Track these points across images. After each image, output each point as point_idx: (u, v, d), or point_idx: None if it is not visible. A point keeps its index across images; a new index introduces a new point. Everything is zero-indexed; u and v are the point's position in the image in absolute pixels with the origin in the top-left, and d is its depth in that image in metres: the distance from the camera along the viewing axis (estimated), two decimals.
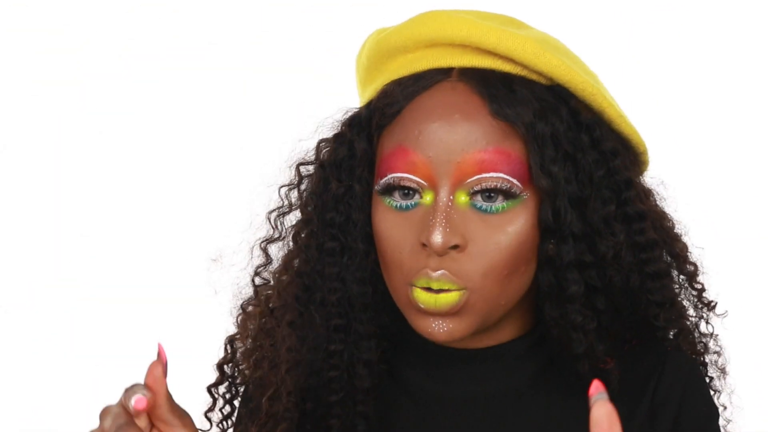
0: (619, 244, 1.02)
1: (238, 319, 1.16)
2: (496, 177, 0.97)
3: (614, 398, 1.05)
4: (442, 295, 0.98)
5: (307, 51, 2.06)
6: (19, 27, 2.11)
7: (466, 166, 0.97)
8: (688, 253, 1.12)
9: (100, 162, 2.13)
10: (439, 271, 0.97)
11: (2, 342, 2.12)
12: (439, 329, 1.00)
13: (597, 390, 0.79)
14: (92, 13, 2.11)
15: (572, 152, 1.00)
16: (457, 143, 0.97)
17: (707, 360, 1.14)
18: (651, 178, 1.12)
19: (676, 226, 1.12)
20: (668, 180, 1.13)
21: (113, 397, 0.94)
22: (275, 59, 2.08)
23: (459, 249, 0.97)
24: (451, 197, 0.98)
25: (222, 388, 1.17)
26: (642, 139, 1.08)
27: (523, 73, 1.00)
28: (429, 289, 0.98)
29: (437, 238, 0.95)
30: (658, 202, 1.11)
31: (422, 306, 0.99)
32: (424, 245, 0.97)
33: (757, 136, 1.97)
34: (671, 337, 1.10)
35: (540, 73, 1.00)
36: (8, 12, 2.11)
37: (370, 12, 1.70)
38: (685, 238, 1.12)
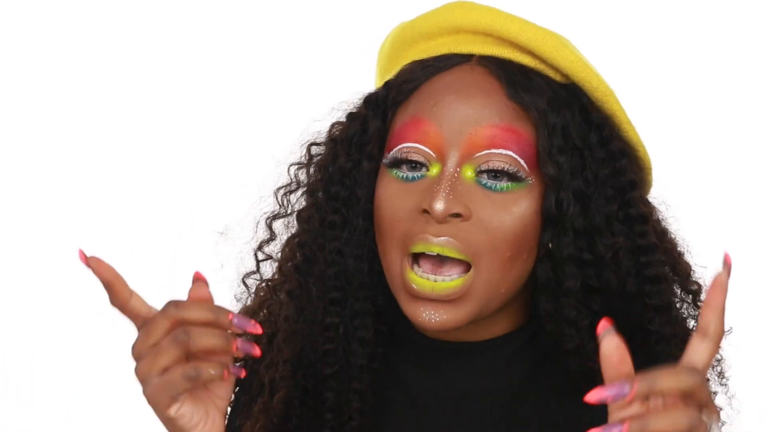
0: (618, 245, 1.02)
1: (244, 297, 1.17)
2: (504, 155, 0.99)
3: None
4: (440, 282, 0.98)
5: (326, 31, 2.09)
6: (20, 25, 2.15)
7: (477, 138, 0.99)
8: (692, 272, 1.12)
9: (114, 136, 2.16)
10: (443, 238, 0.97)
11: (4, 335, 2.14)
12: (430, 319, 0.99)
13: (604, 327, 0.80)
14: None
15: (580, 147, 1.02)
16: (470, 116, 0.99)
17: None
18: (653, 198, 1.12)
19: (679, 245, 1.13)
20: (671, 199, 1.13)
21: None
22: (291, 39, 2.10)
23: (462, 218, 0.98)
24: (458, 169, 0.99)
25: None
26: (648, 155, 1.09)
27: (540, 67, 1.03)
28: (427, 271, 0.98)
29: (439, 204, 0.96)
30: (660, 222, 1.11)
31: (416, 289, 0.99)
32: (424, 212, 0.98)
33: (760, 152, 1.98)
34: (666, 344, 1.07)
35: (557, 69, 1.03)
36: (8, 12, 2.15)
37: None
38: (687, 257, 1.13)
